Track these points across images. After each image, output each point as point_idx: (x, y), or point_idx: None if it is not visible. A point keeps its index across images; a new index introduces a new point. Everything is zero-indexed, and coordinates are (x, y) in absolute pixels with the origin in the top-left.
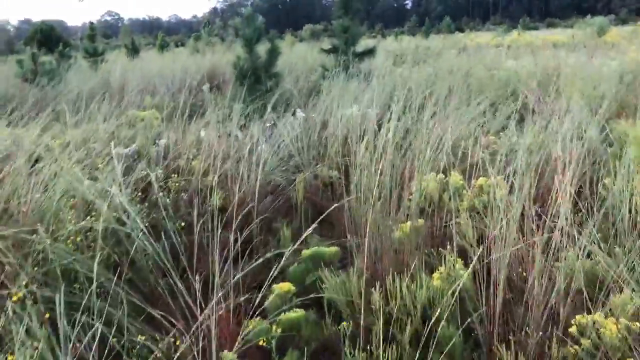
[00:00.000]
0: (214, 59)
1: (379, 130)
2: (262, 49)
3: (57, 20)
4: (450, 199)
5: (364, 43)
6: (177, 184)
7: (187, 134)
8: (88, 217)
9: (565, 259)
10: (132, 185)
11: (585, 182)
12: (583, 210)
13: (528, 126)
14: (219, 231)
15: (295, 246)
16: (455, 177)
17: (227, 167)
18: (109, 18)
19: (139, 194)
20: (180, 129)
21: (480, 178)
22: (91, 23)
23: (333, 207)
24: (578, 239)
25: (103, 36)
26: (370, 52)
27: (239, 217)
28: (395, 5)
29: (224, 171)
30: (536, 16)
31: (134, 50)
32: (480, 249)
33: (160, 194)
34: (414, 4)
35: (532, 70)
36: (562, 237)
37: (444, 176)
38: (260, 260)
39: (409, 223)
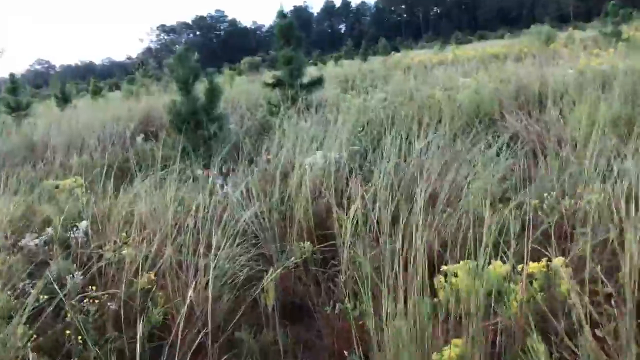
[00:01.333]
0: (149, 102)
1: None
2: (200, 88)
3: None
4: (492, 297)
5: (308, 73)
6: (99, 301)
7: (116, 207)
8: None
9: None
10: (35, 302)
11: None
12: None
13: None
14: None
15: None
16: (499, 268)
17: (169, 254)
18: (39, 67)
19: (44, 321)
20: (108, 201)
21: (533, 264)
22: (12, 75)
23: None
24: None
25: (34, 86)
26: (318, 83)
27: (189, 344)
28: (329, 30)
29: (164, 262)
30: (466, 30)
31: (64, 100)
32: None
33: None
34: (347, 28)
35: (496, 87)
36: None
37: (475, 262)
38: None
39: (458, 344)
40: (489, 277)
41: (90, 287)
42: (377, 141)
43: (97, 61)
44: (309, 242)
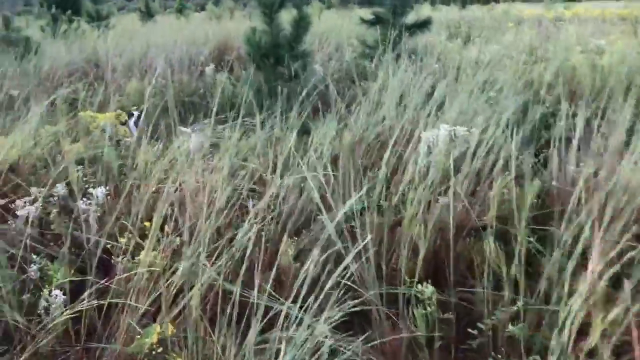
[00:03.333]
0: (230, 27)
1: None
2: (285, 18)
3: None
4: None
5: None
6: None
7: (156, 168)
8: None
9: None
10: None
11: None
12: None
13: None
14: None
15: None
16: None
17: (210, 278)
18: None
19: None
20: (150, 155)
21: None
22: None
23: None
24: None
25: None
26: (424, 25)
27: None
28: None
29: (205, 297)
30: None
31: (147, 14)
32: None
33: None
34: None
35: None
36: None
37: None
38: None
39: None
40: None
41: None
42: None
43: None
44: (431, 287)
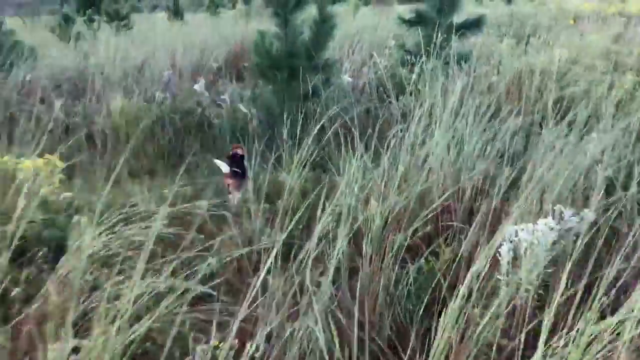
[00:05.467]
0: (250, 28)
1: None
2: (306, 18)
3: None
4: None
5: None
6: None
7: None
8: None
9: None
10: None
11: None
12: None
13: None
14: None
15: None
16: None
17: None
18: None
19: None
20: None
21: None
22: None
23: None
24: None
25: None
26: (476, 25)
27: None
28: None
29: None
30: None
31: (175, 13)
32: None
33: None
34: None
35: None
36: None
37: None
38: None
39: None
40: None
41: None
42: None
43: None
44: None
